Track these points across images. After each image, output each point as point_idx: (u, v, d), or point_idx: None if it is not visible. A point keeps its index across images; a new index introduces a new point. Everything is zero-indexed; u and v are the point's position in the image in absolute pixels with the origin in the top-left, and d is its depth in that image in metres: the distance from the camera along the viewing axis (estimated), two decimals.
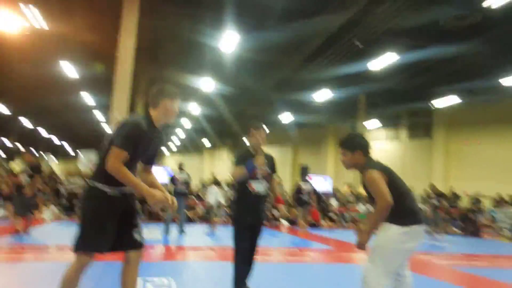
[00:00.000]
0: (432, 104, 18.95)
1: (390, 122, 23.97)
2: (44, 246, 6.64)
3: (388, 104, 21.06)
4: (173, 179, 9.46)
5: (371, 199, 3.01)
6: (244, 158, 3.81)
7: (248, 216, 3.80)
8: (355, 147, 3.13)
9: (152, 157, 2.86)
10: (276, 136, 30.02)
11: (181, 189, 9.26)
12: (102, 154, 2.62)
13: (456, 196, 16.00)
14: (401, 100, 19.82)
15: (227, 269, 4.04)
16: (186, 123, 26.32)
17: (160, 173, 12.62)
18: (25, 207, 7.49)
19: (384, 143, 24.69)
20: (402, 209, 2.85)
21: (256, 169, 3.77)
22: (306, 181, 12.05)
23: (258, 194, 3.78)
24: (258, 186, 3.79)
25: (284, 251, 7.75)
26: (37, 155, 8.44)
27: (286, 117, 23.36)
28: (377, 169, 2.93)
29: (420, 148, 22.46)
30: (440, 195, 11.52)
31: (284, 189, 15.05)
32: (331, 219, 14.26)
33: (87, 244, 2.48)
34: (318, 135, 27.69)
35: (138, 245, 2.74)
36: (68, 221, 11.36)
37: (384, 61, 13.53)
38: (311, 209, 13.69)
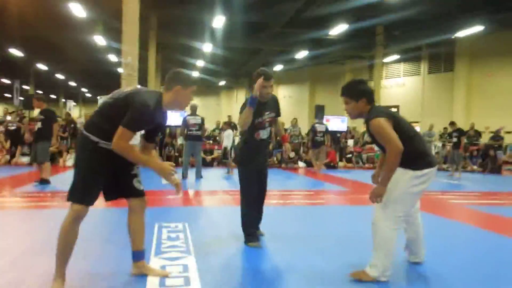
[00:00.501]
0: (454, 35, 17.92)
1: (410, 55, 23.09)
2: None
3: (407, 36, 20.16)
4: (184, 122, 9.47)
5: (380, 147, 2.98)
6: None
7: (254, 162, 3.87)
8: (359, 95, 2.98)
9: (153, 135, 2.88)
10: (292, 75, 29.53)
11: (194, 133, 9.32)
12: (103, 110, 2.65)
13: (477, 133, 15.65)
14: (422, 31, 18.89)
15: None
16: (200, 63, 25.94)
17: (175, 117, 12.65)
18: (42, 154, 7.45)
19: (403, 78, 24.02)
20: (412, 153, 2.82)
21: (264, 120, 3.81)
22: (321, 122, 11.96)
23: (262, 140, 3.87)
24: (263, 133, 3.87)
25: (298, 193, 7.88)
26: (45, 100, 8.23)
27: (301, 55, 22.72)
28: (383, 116, 2.83)
29: (441, 83, 21.77)
30: (459, 132, 11.23)
31: (299, 130, 14.99)
32: (348, 160, 14.29)
33: (78, 196, 2.54)
34: (335, 73, 27.04)
35: (139, 193, 2.83)
36: None
37: None
38: (327, 150, 13.73)
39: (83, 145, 2.58)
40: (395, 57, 23.00)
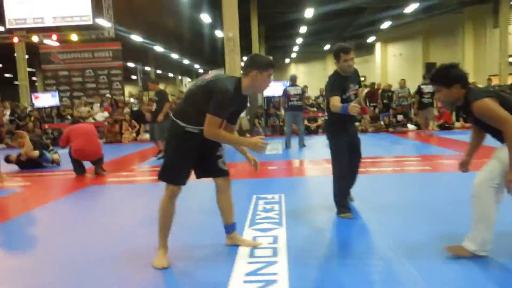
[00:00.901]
0: None
1: None
2: None
3: None
4: (285, 93, 9.56)
5: (489, 131, 2.81)
6: (338, 85, 3.79)
7: (342, 133, 3.93)
8: (451, 81, 2.76)
9: (235, 118, 3.03)
10: (402, 31, 27.43)
11: (295, 103, 9.37)
12: (188, 97, 2.87)
13: None
14: None
15: None
16: (303, 29, 25.54)
17: (278, 88, 12.84)
18: (159, 132, 7.99)
19: None
20: None
21: (349, 93, 3.85)
22: (403, 88, 11.16)
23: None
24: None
25: (402, 159, 7.51)
26: (158, 82, 9.08)
27: (412, 7, 20.88)
28: (487, 96, 2.61)
29: None
30: None
31: (408, 91, 14.04)
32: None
33: (170, 177, 2.82)
34: (453, 23, 24.36)
35: (224, 173, 3.05)
36: None
37: None
38: (442, 110, 12.75)
39: (172, 130, 2.83)
40: None
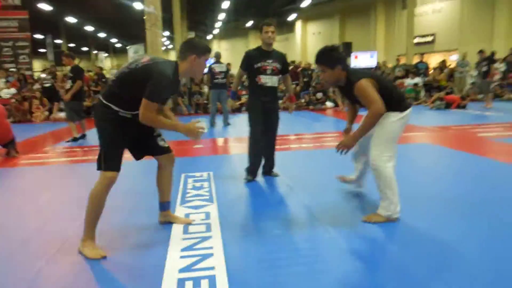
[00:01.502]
0: None
1: None
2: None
3: None
4: (210, 71, 9.54)
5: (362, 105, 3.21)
6: (250, 58, 4.32)
7: (257, 104, 4.31)
8: (334, 62, 3.09)
9: (167, 99, 3.04)
10: (321, 10, 28.38)
11: (220, 81, 9.41)
12: (121, 80, 2.69)
13: None
14: None
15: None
16: (226, 4, 25.29)
17: None
18: (74, 112, 7.56)
19: (439, 4, 22.57)
20: (396, 98, 3.09)
21: (265, 66, 4.25)
22: None
23: (265, 85, 4.28)
24: (265, 79, 4.27)
25: (321, 135, 7.95)
26: (75, 56, 8.30)
27: None
28: (364, 77, 3.01)
29: (480, 4, 20.27)
30: (489, 60, 10.69)
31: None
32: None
33: (109, 164, 2.70)
34: (366, 4, 25.73)
35: (166, 150, 3.03)
36: None
37: None
38: None
39: (104, 114, 2.70)
40: None
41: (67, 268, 2.56)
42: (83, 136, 7.87)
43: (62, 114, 12.22)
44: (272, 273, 2.36)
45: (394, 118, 3.05)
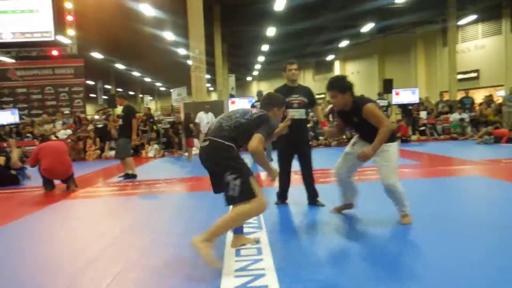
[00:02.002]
0: None
1: (488, 14, 21.32)
2: (155, 180, 7.62)
3: None
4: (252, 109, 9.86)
5: (367, 130, 3.66)
6: (278, 92, 4.50)
7: (286, 137, 4.37)
8: (345, 88, 3.60)
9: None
10: (359, 50, 28.70)
11: None
12: (239, 127, 3.03)
13: None
14: None
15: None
16: (265, 47, 26.19)
17: (245, 104, 13.16)
18: (121, 150, 7.78)
19: (482, 40, 22.30)
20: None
21: (292, 100, 4.61)
22: (382, 97, 11.83)
23: (293, 118, 4.39)
24: (293, 112, 4.58)
25: (361, 169, 7.90)
26: (128, 97, 8.84)
27: (368, 27, 22.02)
28: (373, 102, 3.64)
29: None
30: None
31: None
32: (421, 133, 13.83)
33: (257, 191, 2.94)
34: (405, 42, 25.83)
35: None
36: (170, 157, 12.66)
37: None
38: (400, 124, 13.45)
39: (230, 153, 2.98)
40: (472, 17, 21.37)
41: (132, 284, 2.72)
42: (132, 176, 7.80)
43: (113, 153, 12.90)
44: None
45: (394, 149, 3.69)
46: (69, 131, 13.75)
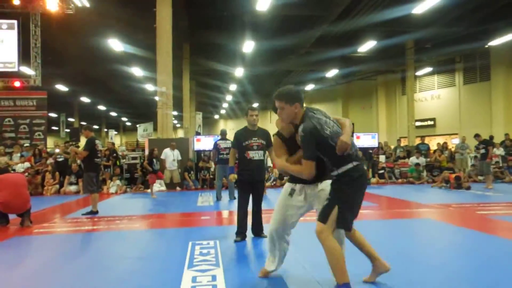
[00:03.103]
0: (488, 44, 17.64)
1: (443, 67, 22.89)
2: (115, 216, 7.47)
3: (439, 48, 20.12)
4: (215, 147, 9.97)
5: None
6: (239, 137, 5.14)
7: (245, 175, 5.06)
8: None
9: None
10: (324, 93, 29.84)
11: (225, 157, 9.79)
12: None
13: None
14: (454, 43, 18.81)
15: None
16: (233, 87, 26.74)
17: (209, 142, 13.29)
18: (85, 185, 7.74)
19: (438, 90, 23.75)
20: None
21: (251, 143, 5.07)
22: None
23: (253, 159, 5.04)
24: (253, 154, 5.05)
25: None
26: (93, 129, 8.71)
27: (332, 73, 23.05)
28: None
29: (478, 93, 21.39)
30: (485, 142, 11.05)
31: None
32: (380, 176, 14.32)
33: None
34: (367, 88, 27.11)
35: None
36: (132, 193, 12.45)
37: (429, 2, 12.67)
38: None
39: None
40: (428, 69, 22.87)
41: None
42: (95, 213, 7.68)
43: (73, 188, 12.56)
44: None
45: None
46: (27, 164, 13.31)
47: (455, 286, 3.32)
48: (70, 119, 36.03)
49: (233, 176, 5.89)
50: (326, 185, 3.08)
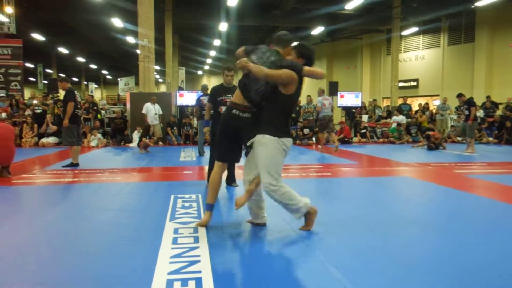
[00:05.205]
0: (474, 4, 17.40)
1: (429, 27, 22.69)
2: (96, 169, 7.41)
3: (426, 7, 19.88)
4: (198, 102, 9.85)
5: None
6: (214, 93, 5.41)
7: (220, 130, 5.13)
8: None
9: None
10: None
11: None
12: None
13: (494, 104, 15.55)
14: (441, 2, 18.56)
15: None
16: (217, 42, 26.13)
17: (193, 98, 13.10)
18: (65, 138, 7.58)
19: (422, 51, 23.69)
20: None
21: (225, 99, 5.24)
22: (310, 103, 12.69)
23: None
24: None
25: (307, 167, 8.21)
26: (70, 81, 8.33)
27: (317, 31, 22.64)
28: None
29: (461, 54, 21.40)
30: (468, 103, 11.05)
31: (313, 107, 15.20)
32: (362, 135, 14.47)
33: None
34: (352, 48, 26.84)
35: None
36: (113, 147, 12.34)
37: None
38: (342, 126, 13.98)
39: None
40: (414, 29, 22.63)
41: (63, 268, 2.69)
42: (76, 165, 7.63)
43: (51, 140, 12.35)
44: (255, 275, 2.53)
45: (271, 145, 3.27)
46: (3, 115, 12.95)
47: (427, 237, 3.44)
48: (48, 70, 34.90)
49: (207, 129, 6.18)
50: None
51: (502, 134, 13.76)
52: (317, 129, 12.38)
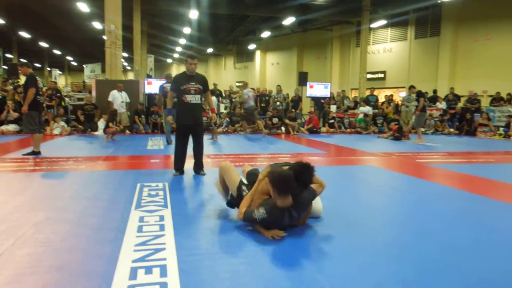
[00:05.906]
0: None
1: (397, 20, 23.13)
2: (59, 157, 7.18)
3: (394, 0, 20.23)
4: (162, 90, 9.68)
5: None
6: (178, 82, 5.46)
7: (183, 118, 5.44)
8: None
9: None
10: (280, 42, 29.43)
11: (173, 101, 9.57)
12: None
13: (456, 97, 16.11)
14: None
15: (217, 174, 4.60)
16: (187, 30, 25.70)
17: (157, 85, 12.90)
18: (26, 125, 7.31)
19: (390, 44, 24.16)
20: None
21: (189, 87, 5.38)
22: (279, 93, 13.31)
23: (190, 103, 5.39)
24: (190, 98, 5.39)
25: (276, 156, 8.26)
26: (32, 66, 7.94)
27: (289, 21, 22.66)
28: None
29: (427, 48, 21.94)
30: (418, 94, 11.41)
31: (283, 96, 15.29)
32: (330, 125, 14.68)
33: None
34: (323, 39, 27.05)
35: None
36: (78, 135, 12.00)
37: None
38: (312, 116, 14.13)
39: None
40: (383, 22, 22.98)
41: (25, 259, 2.60)
42: (37, 153, 7.38)
43: (11, 127, 11.89)
44: (220, 263, 2.53)
45: None
46: None
47: (391, 225, 3.54)
48: (9, 55, 33.42)
49: (170, 118, 6.30)
50: None
51: (463, 125, 14.28)
52: (241, 118, 13.27)
